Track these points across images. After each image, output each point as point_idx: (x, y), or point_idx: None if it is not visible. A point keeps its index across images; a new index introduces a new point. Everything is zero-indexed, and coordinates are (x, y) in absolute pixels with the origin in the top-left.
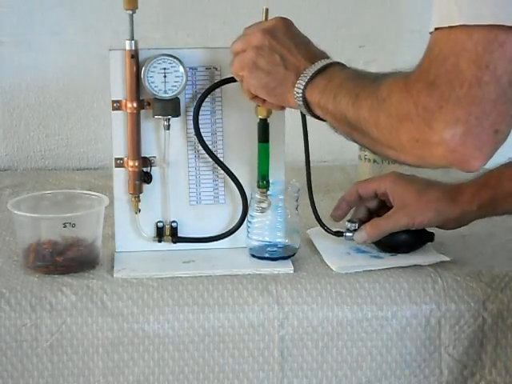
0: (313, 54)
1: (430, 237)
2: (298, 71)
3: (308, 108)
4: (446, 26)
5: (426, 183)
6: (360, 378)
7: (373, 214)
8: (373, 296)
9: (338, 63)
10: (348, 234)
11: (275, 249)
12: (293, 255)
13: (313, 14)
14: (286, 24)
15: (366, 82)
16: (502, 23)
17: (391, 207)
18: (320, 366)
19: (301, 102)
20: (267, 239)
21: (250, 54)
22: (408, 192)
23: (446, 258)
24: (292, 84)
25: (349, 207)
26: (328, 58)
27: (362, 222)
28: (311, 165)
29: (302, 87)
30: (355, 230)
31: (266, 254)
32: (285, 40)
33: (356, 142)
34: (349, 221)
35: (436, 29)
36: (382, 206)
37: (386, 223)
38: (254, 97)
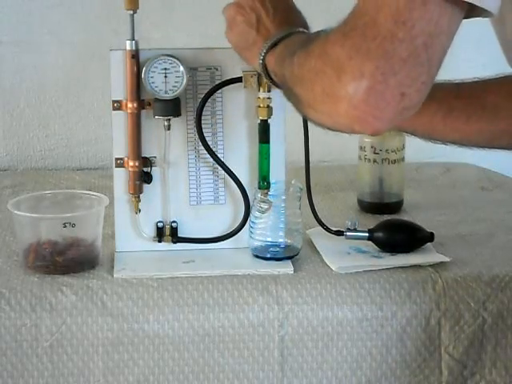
0: (288, 21)
1: (430, 237)
2: (267, 38)
3: (268, 75)
4: None
5: None
6: (360, 378)
7: None
8: (373, 296)
9: (304, 32)
10: (348, 234)
11: (277, 249)
12: (295, 255)
13: (313, 14)
14: None
15: (307, 41)
16: None
17: None
18: (320, 366)
19: (262, 69)
20: (269, 239)
21: (233, 8)
22: None
23: (446, 258)
24: (258, 50)
25: None
26: (303, 27)
27: None
28: (311, 165)
29: (263, 54)
30: (355, 229)
31: (268, 254)
32: (267, 3)
33: (293, 106)
34: (349, 220)
35: None
36: None
37: None
38: None
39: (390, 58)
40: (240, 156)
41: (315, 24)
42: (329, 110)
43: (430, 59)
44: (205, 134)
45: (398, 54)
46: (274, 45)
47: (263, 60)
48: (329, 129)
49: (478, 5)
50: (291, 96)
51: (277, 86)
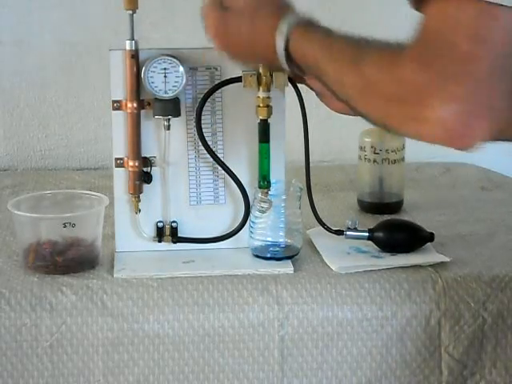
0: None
1: (430, 237)
2: (279, 16)
3: (288, 53)
4: None
5: None
6: (360, 378)
7: None
8: (373, 296)
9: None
10: (348, 233)
11: (277, 249)
12: (295, 255)
13: (313, 14)
14: None
15: (351, 50)
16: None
17: None
18: (320, 366)
19: (282, 43)
20: (269, 239)
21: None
22: None
23: (446, 258)
24: (273, 29)
25: None
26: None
27: None
28: (311, 165)
29: (286, 30)
30: (355, 229)
31: (268, 254)
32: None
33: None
34: (349, 219)
35: (426, 2)
36: None
37: None
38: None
39: (475, 77)
40: (240, 156)
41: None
42: (416, 131)
43: (510, 67)
44: (204, 134)
45: (481, 71)
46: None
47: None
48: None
49: None
50: (339, 88)
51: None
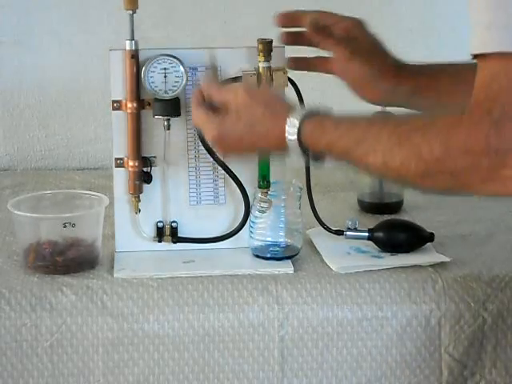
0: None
1: (430, 237)
2: (287, 113)
3: (301, 142)
4: (500, 51)
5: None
6: (360, 378)
7: None
8: (373, 296)
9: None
10: (348, 233)
11: (277, 249)
12: (295, 255)
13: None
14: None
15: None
16: None
17: None
18: (320, 366)
19: (296, 142)
20: (269, 239)
21: (229, 97)
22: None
23: (446, 258)
24: (283, 126)
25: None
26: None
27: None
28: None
29: (298, 123)
30: (355, 229)
31: (268, 254)
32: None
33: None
34: (349, 219)
35: (486, 56)
36: None
37: None
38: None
39: None
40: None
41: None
42: (497, 191)
43: None
44: None
45: None
46: (306, 117)
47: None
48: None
49: None
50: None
51: (316, 157)
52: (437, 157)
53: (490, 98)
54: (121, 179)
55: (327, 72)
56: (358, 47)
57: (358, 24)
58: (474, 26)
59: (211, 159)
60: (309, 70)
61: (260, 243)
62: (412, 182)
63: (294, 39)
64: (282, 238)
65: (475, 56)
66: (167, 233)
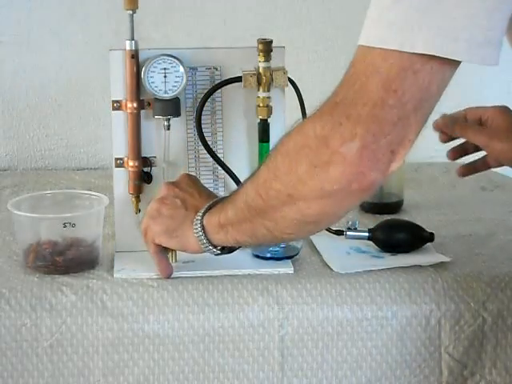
0: (213, 197)
1: (430, 237)
2: (198, 209)
3: (207, 237)
4: (367, 45)
5: None
6: (360, 378)
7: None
8: (373, 296)
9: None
10: (348, 233)
11: (277, 249)
12: (295, 255)
13: (313, 14)
14: (191, 177)
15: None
16: (433, 53)
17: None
18: (320, 366)
19: (201, 233)
20: None
21: (155, 204)
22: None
23: (446, 258)
24: (191, 221)
25: (451, 123)
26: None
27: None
28: None
29: (201, 215)
30: (355, 229)
31: (268, 254)
32: (187, 188)
33: (260, 242)
34: (349, 219)
35: (360, 45)
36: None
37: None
38: (156, 251)
39: (380, 122)
40: (240, 155)
41: (315, 24)
42: (321, 180)
43: (419, 120)
44: (204, 134)
45: (388, 118)
46: (209, 208)
47: (201, 221)
48: (314, 226)
49: (479, 64)
50: (261, 221)
51: (214, 246)
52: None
53: (342, 84)
54: (121, 179)
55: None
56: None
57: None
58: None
59: (211, 159)
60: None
61: None
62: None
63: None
64: None
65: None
66: None
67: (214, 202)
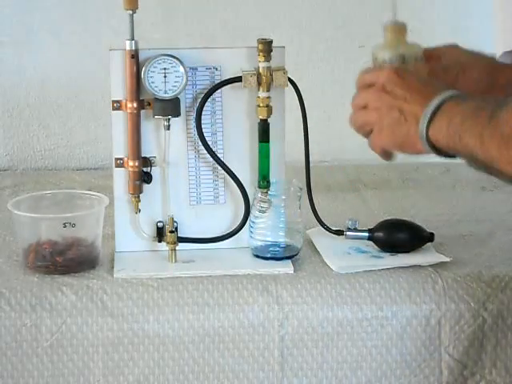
0: (427, 93)
1: (430, 237)
2: (417, 119)
3: (439, 151)
4: None
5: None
6: (360, 378)
7: None
8: (373, 296)
9: (452, 97)
10: (348, 233)
11: (277, 249)
12: (295, 255)
13: (313, 14)
14: (397, 74)
15: (484, 118)
16: None
17: None
18: (320, 366)
19: (429, 149)
20: (269, 239)
21: (373, 115)
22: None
23: (446, 258)
24: (416, 134)
25: None
26: (441, 90)
27: None
28: (311, 165)
29: (424, 136)
30: (355, 229)
31: (268, 254)
32: (398, 91)
33: (495, 177)
34: (349, 219)
35: None
36: None
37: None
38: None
39: None
40: (240, 155)
41: (315, 24)
42: None
43: None
44: (204, 134)
45: None
46: (430, 120)
47: (428, 140)
48: None
49: None
50: (490, 170)
51: (451, 156)
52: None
53: None
54: (121, 179)
55: None
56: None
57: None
58: None
59: (211, 159)
60: None
61: (260, 243)
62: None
63: None
64: (281, 238)
65: None
66: (167, 233)
67: (432, 115)
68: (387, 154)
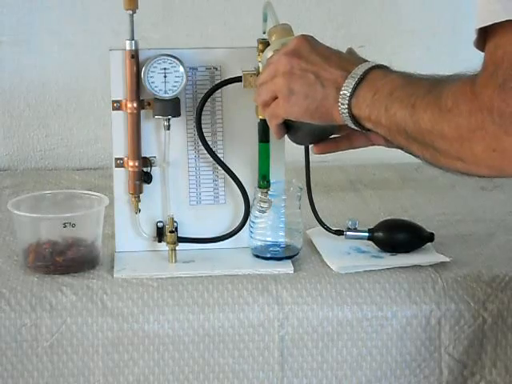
0: (346, 62)
1: (430, 237)
2: (337, 85)
3: (357, 122)
4: (505, 20)
5: None
6: (360, 378)
7: None
8: (373, 296)
9: (378, 66)
10: (348, 233)
11: (277, 249)
12: (295, 255)
13: (313, 14)
14: (308, 40)
15: (420, 89)
16: None
17: None
18: (320, 366)
19: (348, 118)
20: (269, 239)
21: (281, 80)
22: None
23: (446, 258)
24: (334, 100)
25: None
26: (362, 61)
27: None
28: (311, 165)
29: (347, 102)
30: (355, 229)
31: (268, 254)
32: (313, 57)
33: (413, 155)
34: (349, 219)
35: (490, 28)
36: None
37: None
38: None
39: None
40: (240, 155)
41: (315, 24)
42: (499, 164)
43: None
44: (204, 134)
45: None
46: (354, 89)
47: (349, 109)
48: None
49: None
50: (413, 145)
51: (366, 129)
52: (453, 113)
53: (494, 63)
54: (121, 179)
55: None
56: None
57: None
58: (479, 1)
59: (211, 159)
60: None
61: (260, 243)
62: (415, 137)
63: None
64: (281, 238)
65: (483, 31)
66: (167, 233)
67: (357, 83)
68: (282, 130)
